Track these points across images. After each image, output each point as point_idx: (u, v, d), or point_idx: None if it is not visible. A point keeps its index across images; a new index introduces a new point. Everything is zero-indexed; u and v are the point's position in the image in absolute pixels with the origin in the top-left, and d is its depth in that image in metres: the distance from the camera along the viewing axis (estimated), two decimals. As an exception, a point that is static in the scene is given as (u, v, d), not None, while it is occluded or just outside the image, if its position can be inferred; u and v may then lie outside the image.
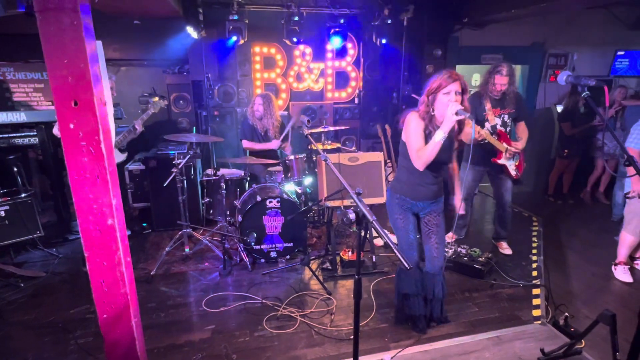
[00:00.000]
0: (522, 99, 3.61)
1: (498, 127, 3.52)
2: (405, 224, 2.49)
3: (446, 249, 3.57)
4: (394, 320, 2.79)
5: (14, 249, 3.71)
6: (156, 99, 3.98)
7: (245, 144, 4.22)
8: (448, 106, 2.14)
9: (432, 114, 2.27)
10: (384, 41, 5.08)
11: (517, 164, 3.60)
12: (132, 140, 3.95)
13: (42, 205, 4.61)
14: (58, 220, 4.46)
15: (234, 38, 4.60)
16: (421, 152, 2.26)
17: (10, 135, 4.36)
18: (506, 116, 3.52)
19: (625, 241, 3.34)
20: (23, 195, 3.70)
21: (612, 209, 4.71)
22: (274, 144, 4.18)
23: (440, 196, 2.50)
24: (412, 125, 2.31)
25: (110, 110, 3.45)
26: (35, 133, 4.36)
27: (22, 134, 4.40)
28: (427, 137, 2.29)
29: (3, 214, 3.55)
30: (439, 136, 2.16)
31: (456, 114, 2.11)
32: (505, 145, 3.49)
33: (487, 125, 3.51)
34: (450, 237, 4.09)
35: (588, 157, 5.38)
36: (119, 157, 3.87)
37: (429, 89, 2.25)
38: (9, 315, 2.87)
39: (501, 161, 3.54)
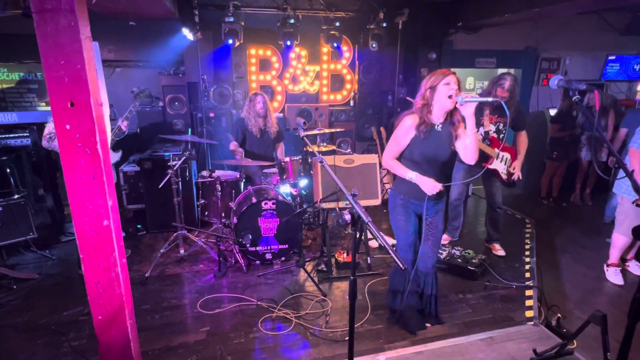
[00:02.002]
0: (521, 110, 3.62)
1: (491, 133, 3.56)
2: (407, 225, 2.50)
3: (440, 251, 3.60)
4: (387, 320, 2.81)
5: (6, 250, 3.68)
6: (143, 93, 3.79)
7: (232, 145, 4.20)
8: (446, 95, 2.20)
9: (431, 107, 2.31)
10: (377, 45, 5.11)
11: (509, 168, 3.64)
12: (127, 142, 3.93)
13: (36, 207, 4.57)
14: (52, 222, 4.43)
15: (230, 42, 4.60)
16: (392, 162, 2.44)
17: (3, 136, 4.33)
18: (502, 124, 3.55)
19: (618, 242, 3.38)
20: (16, 196, 3.66)
21: (605, 211, 4.77)
22: (246, 161, 3.88)
23: (443, 195, 2.49)
24: (400, 130, 2.37)
25: (106, 111, 3.43)
26: (28, 134, 4.34)
27: (15, 135, 4.38)
28: (421, 132, 2.31)
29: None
30: (410, 175, 2.35)
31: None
32: (497, 150, 3.53)
33: (480, 130, 3.56)
34: (444, 239, 4.12)
35: (577, 159, 5.46)
36: (114, 157, 3.84)
37: (427, 85, 2.28)
38: (1, 317, 2.85)
39: (491, 166, 3.57)
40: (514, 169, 3.59)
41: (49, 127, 3.37)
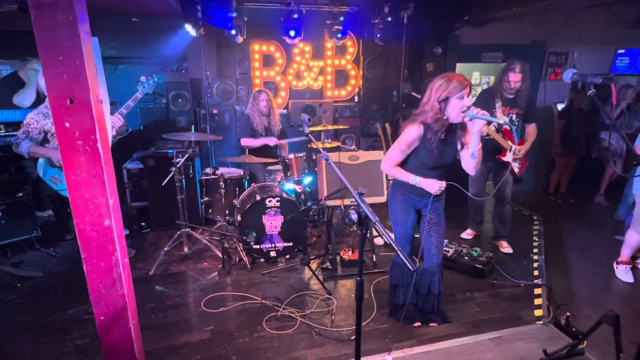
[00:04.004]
0: (532, 101, 3.59)
1: (505, 125, 3.49)
2: (406, 219, 2.51)
3: (447, 249, 3.55)
4: (389, 315, 2.80)
5: (11, 248, 3.67)
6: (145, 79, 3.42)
7: (244, 141, 4.15)
8: (458, 110, 2.15)
9: (445, 117, 2.23)
10: (381, 40, 5.04)
11: (516, 152, 3.58)
12: (130, 139, 3.90)
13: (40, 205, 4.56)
14: (56, 220, 4.42)
15: (233, 31, 4.55)
16: (394, 169, 2.41)
17: (6, 133, 4.32)
18: (514, 116, 3.51)
19: (632, 241, 3.30)
20: (20, 194, 3.65)
21: (617, 208, 4.69)
22: (271, 141, 4.12)
23: (444, 192, 2.47)
24: (404, 142, 2.33)
25: (107, 108, 3.37)
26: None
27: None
28: (431, 143, 2.28)
29: (0, 214, 3.51)
30: (415, 180, 2.34)
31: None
32: (510, 143, 3.47)
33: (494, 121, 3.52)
34: (469, 233, 4.12)
35: (588, 156, 5.36)
36: None
37: (441, 97, 2.17)
38: (5, 316, 2.84)
39: (505, 158, 3.53)
40: (519, 151, 3.53)
41: (19, 130, 3.09)
